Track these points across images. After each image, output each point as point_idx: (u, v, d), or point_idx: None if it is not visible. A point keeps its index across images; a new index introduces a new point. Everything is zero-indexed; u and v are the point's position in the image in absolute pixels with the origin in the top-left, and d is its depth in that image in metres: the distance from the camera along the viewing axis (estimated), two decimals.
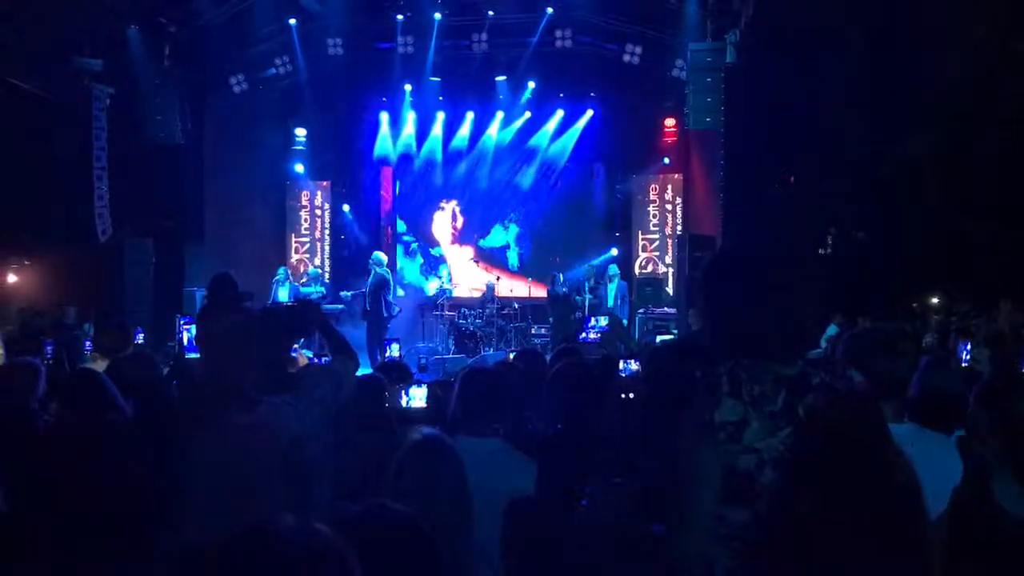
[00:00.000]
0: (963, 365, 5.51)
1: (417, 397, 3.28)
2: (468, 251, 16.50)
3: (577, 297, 13.67)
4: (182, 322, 8.01)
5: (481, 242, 16.41)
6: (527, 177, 16.10)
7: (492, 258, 16.32)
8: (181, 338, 4.66)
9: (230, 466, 2.70)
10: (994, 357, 6.14)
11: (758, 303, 1.89)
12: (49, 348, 5.97)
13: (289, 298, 13.00)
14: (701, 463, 1.83)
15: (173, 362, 5.25)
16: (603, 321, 11.20)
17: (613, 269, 13.78)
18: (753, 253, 1.98)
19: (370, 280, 12.31)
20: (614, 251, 15.18)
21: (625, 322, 12.70)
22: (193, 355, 3.18)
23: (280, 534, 1.10)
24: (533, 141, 15.87)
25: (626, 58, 13.85)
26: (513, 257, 16.34)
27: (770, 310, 1.88)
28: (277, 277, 13.61)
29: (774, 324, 1.87)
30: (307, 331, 3.03)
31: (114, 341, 4.97)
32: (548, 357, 4.93)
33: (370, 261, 12.54)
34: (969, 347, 5.65)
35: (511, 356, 6.73)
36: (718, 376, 1.86)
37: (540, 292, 14.69)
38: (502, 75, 15.14)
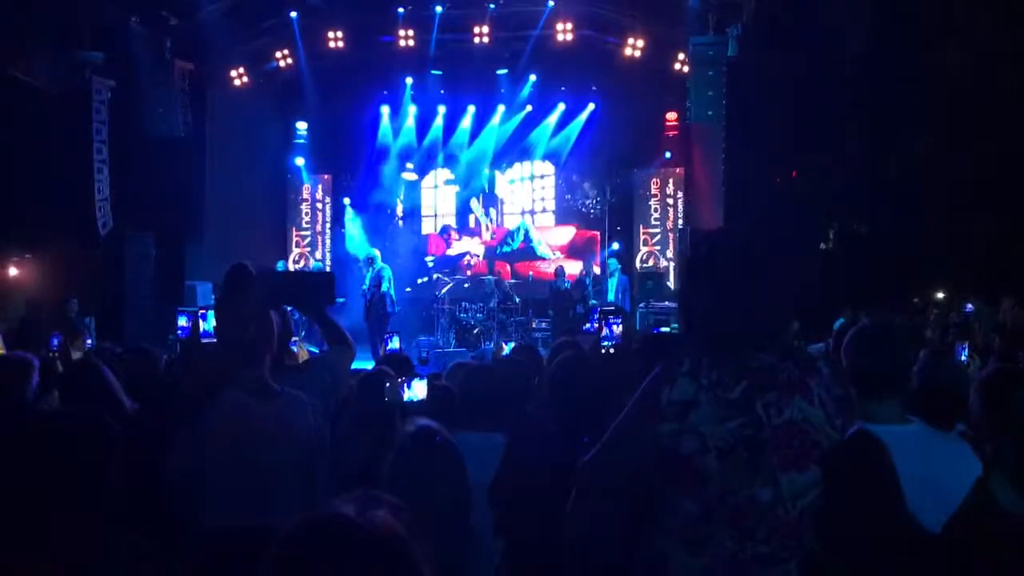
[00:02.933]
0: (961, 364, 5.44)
1: (418, 390, 3.26)
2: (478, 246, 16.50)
3: (576, 291, 13.66)
4: (199, 308, 7.97)
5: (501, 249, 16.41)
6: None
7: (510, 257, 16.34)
8: (190, 327, 4.67)
9: (247, 454, 2.71)
10: (982, 353, 6.12)
11: (731, 288, 1.88)
12: (55, 341, 5.95)
13: None
14: (638, 433, 1.83)
15: (182, 349, 5.24)
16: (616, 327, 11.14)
17: (614, 263, 13.76)
18: (727, 240, 1.98)
19: (371, 276, 12.32)
20: (615, 245, 15.17)
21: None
22: (209, 339, 3.19)
23: (348, 522, 1.11)
24: (534, 135, 15.83)
25: (628, 51, 13.81)
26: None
27: (742, 296, 1.87)
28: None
29: (745, 310, 1.87)
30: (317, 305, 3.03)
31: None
32: (549, 351, 4.93)
33: (367, 257, 12.57)
34: (967, 348, 5.60)
35: (507, 349, 6.74)
36: (681, 355, 1.84)
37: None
38: (503, 68, 15.10)
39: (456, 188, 16.52)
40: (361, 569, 1.08)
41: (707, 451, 1.77)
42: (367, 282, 12.37)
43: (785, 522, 1.79)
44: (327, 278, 3.02)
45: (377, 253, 12.78)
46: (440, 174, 16.55)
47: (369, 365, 7.93)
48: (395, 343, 5.62)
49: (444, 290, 14.69)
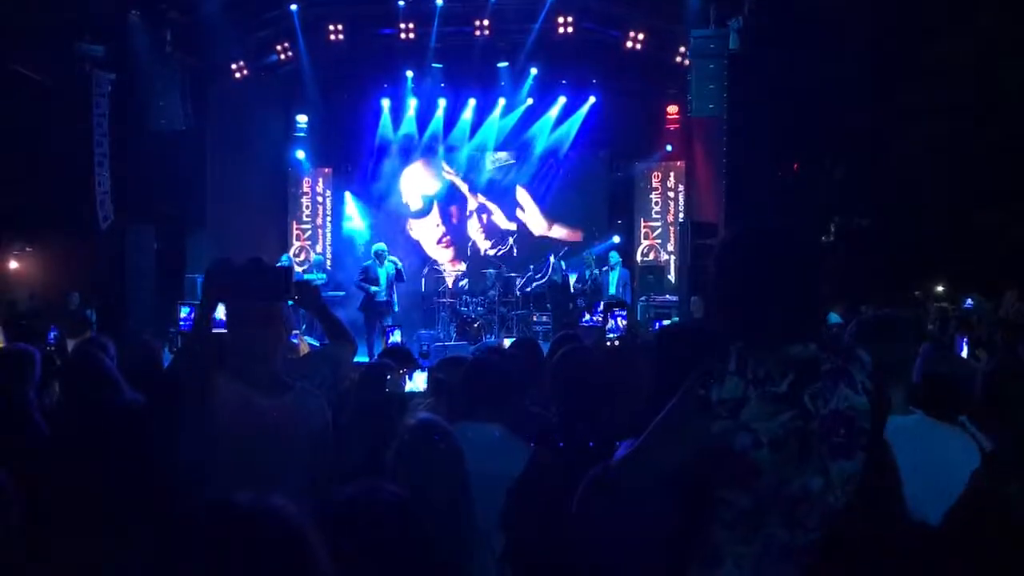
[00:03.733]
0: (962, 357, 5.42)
1: (418, 382, 3.27)
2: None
3: (576, 285, 13.68)
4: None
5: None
6: (529, 165, 16.05)
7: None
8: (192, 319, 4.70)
9: (248, 449, 2.70)
10: (988, 345, 6.11)
11: (773, 284, 1.91)
12: (52, 334, 5.96)
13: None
14: (687, 431, 1.84)
15: (183, 340, 5.27)
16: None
17: (615, 256, 13.75)
18: (767, 235, 2.00)
19: (388, 272, 12.25)
20: (616, 238, 15.16)
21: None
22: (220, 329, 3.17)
23: (241, 508, 1.13)
24: (535, 128, 15.81)
25: (629, 45, 13.79)
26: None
27: (785, 290, 1.91)
28: (280, 263, 13.59)
29: (787, 304, 1.90)
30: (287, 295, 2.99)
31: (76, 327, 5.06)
32: (549, 344, 4.92)
33: (379, 252, 12.49)
34: (967, 342, 5.57)
35: (505, 343, 6.73)
36: (726, 353, 1.87)
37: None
38: (504, 62, 15.08)
39: (438, 184, 16.42)
40: (249, 552, 1.10)
41: (761, 446, 1.81)
42: (383, 279, 12.22)
43: (835, 509, 1.85)
44: (282, 273, 2.94)
45: (385, 247, 12.71)
46: (415, 169, 16.41)
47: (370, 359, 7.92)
48: (396, 336, 5.63)
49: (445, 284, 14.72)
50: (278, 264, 3.04)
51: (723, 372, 1.84)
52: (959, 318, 9.17)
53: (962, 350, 5.31)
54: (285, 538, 1.13)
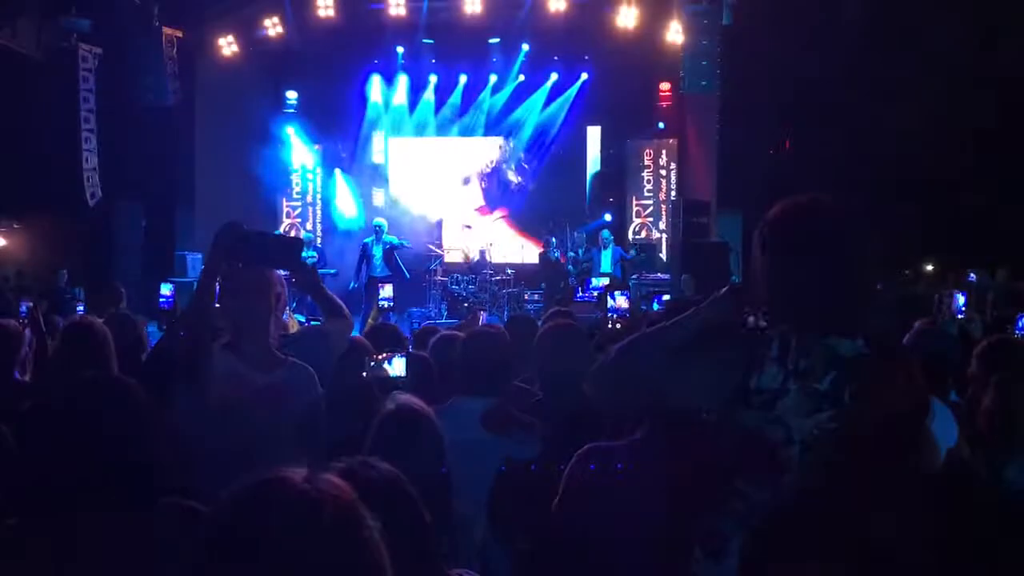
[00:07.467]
0: (958, 316, 5.34)
1: (398, 367, 3.22)
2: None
3: (570, 267, 13.67)
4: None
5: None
6: (519, 142, 15.96)
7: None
8: (173, 297, 4.66)
9: (239, 425, 2.68)
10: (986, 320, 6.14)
11: (826, 274, 1.78)
12: (24, 308, 5.84)
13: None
14: (732, 425, 1.74)
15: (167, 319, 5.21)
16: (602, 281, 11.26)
17: (607, 235, 13.73)
18: (815, 211, 1.90)
19: (386, 247, 12.28)
20: (608, 216, 15.13)
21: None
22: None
23: (292, 483, 1.09)
24: (526, 105, 15.71)
25: (621, 21, 13.68)
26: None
27: (834, 274, 1.78)
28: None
29: (838, 296, 1.77)
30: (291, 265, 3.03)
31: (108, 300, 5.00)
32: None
33: (378, 227, 12.48)
34: (964, 306, 5.54)
35: (482, 317, 6.72)
36: (769, 338, 1.75)
37: (532, 253, 14.65)
38: (495, 38, 14.96)
39: (428, 161, 16.27)
40: (305, 532, 1.06)
41: (792, 443, 1.69)
42: (378, 255, 12.22)
43: None
44: (297, 242, 3.04)
45: (384, 223, 12.71)
46: (405, 145, 16.25)
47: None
48: (387, 291, 5.68)
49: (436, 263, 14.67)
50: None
51: (763, 359, 1.72)
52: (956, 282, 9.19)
53: (960, 305, 5.34)
54: (343, 517, 1.10)
